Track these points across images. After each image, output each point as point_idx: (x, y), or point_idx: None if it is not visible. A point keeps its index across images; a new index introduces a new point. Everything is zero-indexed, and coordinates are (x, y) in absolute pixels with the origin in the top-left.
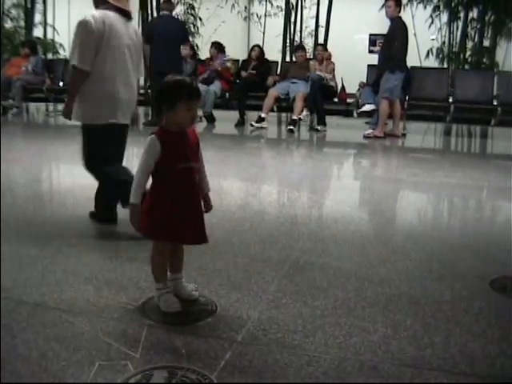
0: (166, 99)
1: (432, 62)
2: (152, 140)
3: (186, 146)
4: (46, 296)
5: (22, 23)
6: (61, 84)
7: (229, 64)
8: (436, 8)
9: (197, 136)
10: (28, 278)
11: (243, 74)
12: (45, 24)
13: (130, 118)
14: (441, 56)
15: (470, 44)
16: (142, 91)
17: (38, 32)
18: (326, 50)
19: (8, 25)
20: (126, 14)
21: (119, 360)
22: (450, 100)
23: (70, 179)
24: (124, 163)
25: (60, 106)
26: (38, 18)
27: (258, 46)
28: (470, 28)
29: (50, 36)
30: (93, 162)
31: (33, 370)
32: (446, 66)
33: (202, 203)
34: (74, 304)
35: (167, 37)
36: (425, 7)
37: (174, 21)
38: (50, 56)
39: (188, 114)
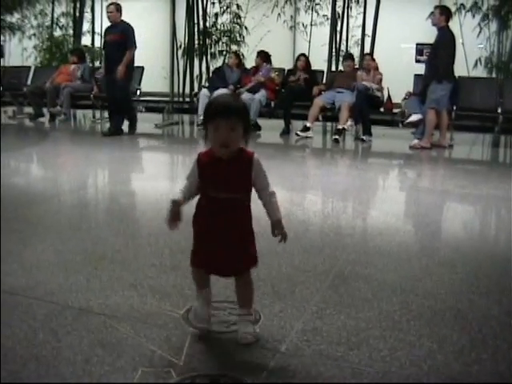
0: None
1: (480, 72)
2: (194, 162)
3: (223, 174)
4: (90, 301)
5: (71, 31)
6: None
7: (273, 74)
8: (485, 16)
9: (250, 163)
10: (73, 283)
11: (291, 78)
12: (93, 32)
13: None
14: (489, 65)
15: None
16: (187, 99)
17: (86, 40)
18: (373, 59)
19: (57, 33)
20: None
21: (162, 367)
22: (499, 110)
23: (116, 186)
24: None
25: (107, 113)
26: (86, 26)
27: (303, 55)
28: None
29: (97, 44)
30: None
31: (77, 374)
32: (494, 75)
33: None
34: (118, 310)
35: None
36: (473, 16)
37: None
38: (97, 64)
39: (216, 136)
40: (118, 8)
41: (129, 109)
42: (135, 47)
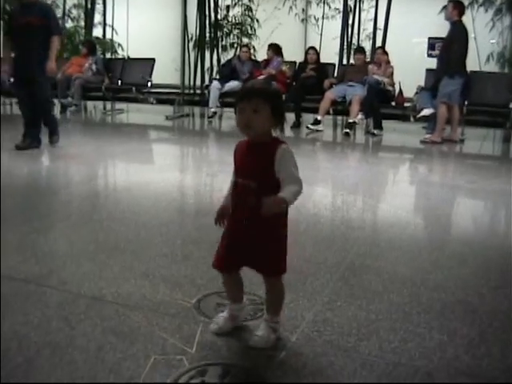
0: None
1: (492, 67)
2: None
3: (246, 159)
4: (103, 290)
5: (82, 23)
6: (119, 83)
7: (284, 67)
8: (498, 11)
9: (274, 151)
10: (86, 272)
11: (303, 74)
12: (104, 24)
13: None
14: (502, 61)
15: None
16: (198, 91)
17: (97, 32)
18: (385, 53)
19: (69, 25)
20: None
21: (174, 355)
22: (510, 106)
23: (127, 177)
24: None
25: (118, 105)
26: (97, 18)
27: (312, 48)
28: None
29: (108, 36)
30: None
31: (90, 362)
32: (506, 70)
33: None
34: (130, 299)
35: None
36: (486, 10)
37: None
38: (108, 55)
39: (239, 118)
40: None
41: (46, 113)
42: (61, 34)
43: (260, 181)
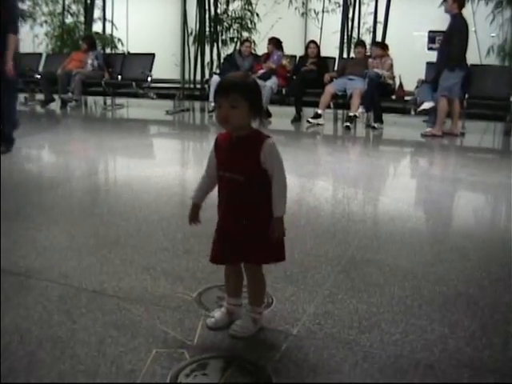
0: None
1: (493, 60)
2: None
3: (230, 153)
4: (104, 284)
5: (82, 18)
6: (119, 78)
7: (284, 61)
8: (498, 4)
9: (260, 145)
10: (87, 266)
11: (304, 68)
12: (104, 19)
13: None
14: (502, 54)
15: None
16: (198, 86)
17: (97, 27)
18: (381, 47)
19: (68, 20)
20: None
21: (175, 348)
22: (511, 99)
23: (127, 171)
24: None
25: (118, 100)
26: (97, 13)
27: (313, 41)
28: None
29: (108, 31)
30: None
31: (92, 355)
32: (507, 64)
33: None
34: (131, 292)
35: None
36: (486, 3)
37: None
38: (108, 51)
39: (217, 113)
40: None
41: (9, 117)
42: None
43: (248, 175)
